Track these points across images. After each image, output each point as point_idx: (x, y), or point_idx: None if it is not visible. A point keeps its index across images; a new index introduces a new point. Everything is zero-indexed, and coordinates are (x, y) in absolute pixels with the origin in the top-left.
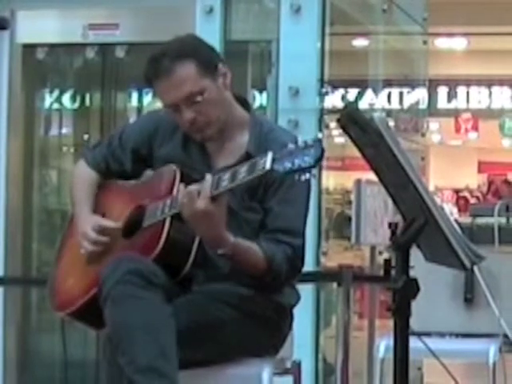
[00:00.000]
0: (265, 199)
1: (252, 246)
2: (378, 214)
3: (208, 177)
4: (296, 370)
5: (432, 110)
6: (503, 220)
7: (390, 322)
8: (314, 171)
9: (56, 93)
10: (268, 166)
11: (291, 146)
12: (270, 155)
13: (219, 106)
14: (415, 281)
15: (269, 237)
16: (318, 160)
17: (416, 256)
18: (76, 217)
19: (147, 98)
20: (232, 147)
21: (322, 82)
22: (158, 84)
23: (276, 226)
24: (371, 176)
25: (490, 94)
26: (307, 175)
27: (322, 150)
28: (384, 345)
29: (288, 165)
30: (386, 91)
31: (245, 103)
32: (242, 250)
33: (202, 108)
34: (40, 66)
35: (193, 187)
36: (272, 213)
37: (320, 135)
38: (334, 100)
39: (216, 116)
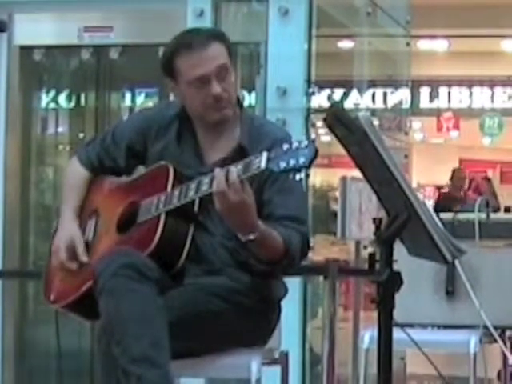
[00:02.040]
0: (262, 191)
1: (273, 231)
2: (363, 210)
3: (232, 168)
4: (284, 359)
5: (415, 110)
6: (483, 215)
7: (375, 314)
8: (307, 170)
9: (52, 93)
10: (263, 165)
11: (286, 145)
12: (264, 155)
13: (235, 91)
14: (399, 274)
15: (278, 224)
16: (312, 161)
17: (399, 250)
18: (60, 221)
19: (140, 98)
20: (224, 142)
21: (308, 82)
22: (189, 56)
23: (280, 215)
24: (356, 173)
25: (471, 94)
26: (301, 174)
27: (316, 151)
28: (368, 336)
29: (283, 164)
30: (370, 91)
31: (237, 100)
32: (268, 234)
33: (228, 86)
34: (37, 67)
35: (221, 181)
36: (273, 203)
37: (313, 136)
38: (320, 100)
39: (234, 98)
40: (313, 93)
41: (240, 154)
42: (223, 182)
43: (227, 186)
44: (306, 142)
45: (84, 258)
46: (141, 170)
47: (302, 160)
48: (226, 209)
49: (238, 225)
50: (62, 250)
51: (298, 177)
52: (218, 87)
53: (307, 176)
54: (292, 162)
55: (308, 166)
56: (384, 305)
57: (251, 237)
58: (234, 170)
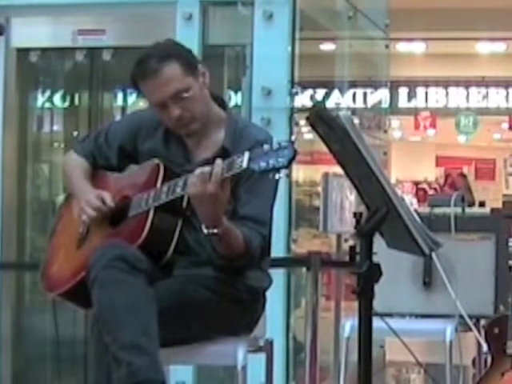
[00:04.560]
0: (236, 190)
1: (236, 229)
2: (344, 205)
3: (219, 161)
4: (268, 347)
5: (393, 109)
6: (459, 210)
7: (355, 304)
8: (286, 170)
9: (47, 93)
10: (245, 164)
11: (266, 146)
12: (246, 155)
13: (202, 103)
14: (378, 266)
15: (240, 223)
16: (291, 161)
17: (379, 243)
18: (78, 192)
19: (131, 98)
20: (209, 142)
21: (292, 83)
22: (145, 84)
23: (244, 214)
24: (338, 169)
25: (447, 93)
26: (280, 174)
27: (295, 152)
28: (349, 325)
29: (263, 164)
30: (351, 91)
31: (222, 102)
32: (230, 232)
33: (188, 104)
34: (33, 69)
35: (205, 169)
36: (240, 201)
37: (293, 137)
38: (303, 100)
39: (199, 112)
40: (296, 93)
41: (223, 155)
42: (207, 170)
43: (209, 176)
44: (285, 143)
45: (111, 204)
46: (133, 167)
47: (281, 160)
48: (199, 195)
49: (205, 215)
50: (93, 198)
51: (277, 176)
52: (176, 110)
53: (287, 176)
54: (271, 163)
55: (286, 167)
56: (364, 295)
57: (214, 231)
58: (220, 165)
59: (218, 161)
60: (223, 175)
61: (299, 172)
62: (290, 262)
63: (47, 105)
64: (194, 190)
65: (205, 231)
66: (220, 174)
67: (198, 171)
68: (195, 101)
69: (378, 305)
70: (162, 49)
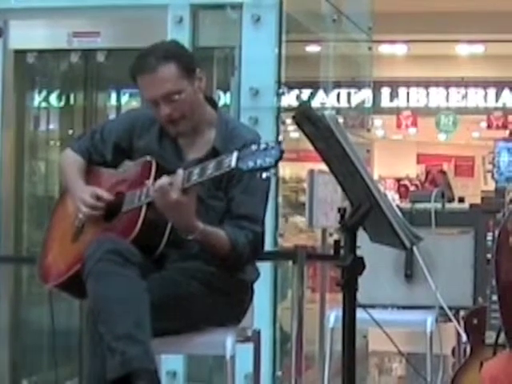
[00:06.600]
0: (228, 189)
1: (218, 231)
2: (329, 200)
3: (180, 171)
4: (256, 337)
5: (376, 108)
6: (439, 205)
7: (339, 296)
8: (274, 169)
9: (44, 93)
10: (233, 164)
11: (254, 146)
12: (235, 155)
13: (193, 106)
14: (361, 259)
15: (233, 222)
16: (278, 161)
17: (362, 237)
18: (72, 190)
19: (124, 98)
20: (201, 142)
21: (279, 83)
22: (141, 79)
23: (238, 213)
24: (323, 166)
25: (428, 94)
26: (268, 173)
27: (282, 152)
28: (334, 316)
29: (251, 164)
30: (335, 91)
31: (213, 103)
32: (210, 235)
33: (178, 106)
34: (30, 70)
35: (164, 180)
36: (234, 201)
37: (280, 137)
38: (289, 99)
39: (190, 114)
40: (283, 93)
41: (214, 155)
42: (166, 181)
43: (169, 186)
44: (272, 144)
45: (109, 197)
46: (127, 163)
47: (268, 160)
48: (163, 204)
49: (177, 223)
50: (87, 196)
51: (264, 175)
52: (167, 108)
53: (275, 174)
54: (259, 162)
55: (274, 166)
56: (348, 287)
57: (190, 237)
58: (181, 174)
59: (180, 170)
60: (184, 185)
61: (286, 169)
62: (276, 256)
63: (43, 104)
64: (158, 202)
65: (183, 236)
66: (180, 183)
67: (157, 184)
68: (186, 104)
69: (361, 296)
70: (163, 49)
